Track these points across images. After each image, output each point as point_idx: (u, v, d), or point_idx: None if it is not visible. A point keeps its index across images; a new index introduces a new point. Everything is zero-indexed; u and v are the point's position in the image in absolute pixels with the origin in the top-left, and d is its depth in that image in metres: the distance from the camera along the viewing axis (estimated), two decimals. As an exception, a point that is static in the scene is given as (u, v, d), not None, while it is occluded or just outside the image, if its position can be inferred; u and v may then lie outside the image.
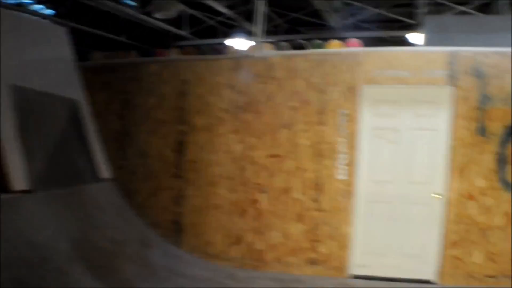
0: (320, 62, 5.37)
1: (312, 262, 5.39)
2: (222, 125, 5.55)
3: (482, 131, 5.19)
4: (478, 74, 5.19)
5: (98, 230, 4.77)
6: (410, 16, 8.14)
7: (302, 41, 6.24)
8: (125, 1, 7.06)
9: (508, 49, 5.16)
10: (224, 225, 5.59)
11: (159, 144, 5.79)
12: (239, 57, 5.70)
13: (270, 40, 7.00)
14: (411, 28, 8.28)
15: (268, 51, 5.65)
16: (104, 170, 5.27)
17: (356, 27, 8.61)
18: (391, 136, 5.40)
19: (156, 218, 5.74)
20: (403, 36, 8.49)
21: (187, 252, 5.60)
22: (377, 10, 8.02)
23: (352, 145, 5.30)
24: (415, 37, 7.87)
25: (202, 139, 5.61)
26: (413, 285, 5.24)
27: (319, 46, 6.08)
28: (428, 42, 5.80)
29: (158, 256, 5.28)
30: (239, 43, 7.72)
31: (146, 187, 5.84)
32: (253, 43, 6.19)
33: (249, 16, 7.02)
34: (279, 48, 5.98)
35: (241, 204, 5.52)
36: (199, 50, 7.62)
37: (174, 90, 5.76)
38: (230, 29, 8.28)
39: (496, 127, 5.17)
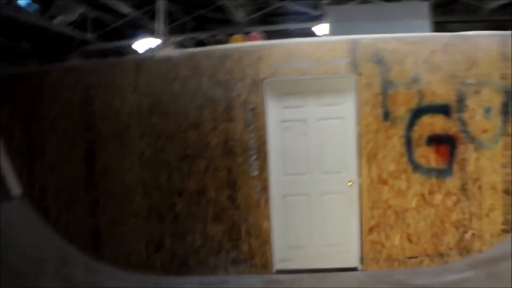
0: (223, 58, 5.30)
1: (236, 261, 5.37)
2: (129, 130, 5.41)
3: (387, 116, 5.28)
4: (379, 61, 5.27)
5: (13, 251, 4.59)
6: (316, 7, 8.19)
7: (206, 38, 6.17)
8: (22, 5, 6.72)
9: (406, 35, 5.26)
10: (144, 233, 5.47)
11: (68, 155, 5.59)
12: (142, 58, 5.55)
13: (176, 38, 6.89)
14: (317, 19, 8.34)
15: (171, 50, 5.54)
16: (15, 187, 5.06)
17: (262, 21, 8.60)
18: (300, 127, 5.41)
19: (74, 232, 5.55)
20: (310, 28, 8.55)
21: (108, 264, 5.45)
22: (282, 3, 8.02)
23: (262, 139, 5.27)
24: (321, 29, 7.92)
25: (111, 145, 5.45)
26: (338, 273, 5.32)
27: (220, 42, 6.03)
28: (332, 32, 5.85)
29: (79, 272, 5.12)
30: (143, 44, 7.56)
31: (59, 201, 5.63)
32: (157, 43, 6.07)
33: (153, 16, 6.88)
34: (183, 46, 5.90)
35: (158, 209, 5.41)
36: (102, 54, 7.41)
37: (79, 97, 5.56)
38: (135, 30, 8.09)
39: (401, 111, 5.27)
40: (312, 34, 8.10)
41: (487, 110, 5.32)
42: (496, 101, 5.32)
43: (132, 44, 7.85)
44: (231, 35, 6.19)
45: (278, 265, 5.47)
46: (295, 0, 7.77)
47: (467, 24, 7.68)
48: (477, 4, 8.17)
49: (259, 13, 8.18)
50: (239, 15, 7.60)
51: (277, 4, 7.90)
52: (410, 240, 5.33)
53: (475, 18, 7.69)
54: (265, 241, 5.36)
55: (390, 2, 6.54)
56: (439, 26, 6.71)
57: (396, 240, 5.33)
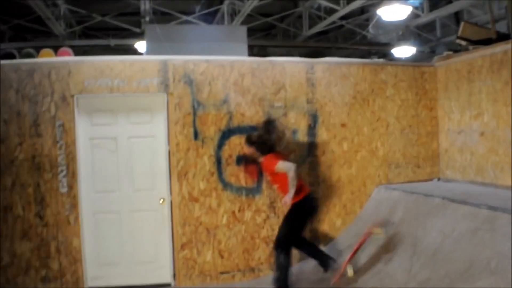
0: (31, 72, 5.27)
1: (46, 280, 5.32)
2: None
3: (197, 135, 5.52)
4: (189, 81, 5.50)
5: None
6: (139, 25, 8.38)
7: (13, 51, 6.15)
8: None
9: (216, 57, 5.54)
10: None
11: None
12: None
13: None
14: (139, 36, 8.52)
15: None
16: None
17: (84, 34, 8.67)
18: (110, 145, 5.51)
19: None
20: (132, 45, 8.71)
21: None
22: (104, 18, 8.08)
23: (71, 156, 5.31)
24: (142, 46, 8.13)
25: None
26: (152, 289, 5.43)
27: (30, 56, 6.02)
28: (149, 51, 6.02)
29: None
30: None
31: None
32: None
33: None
34: (-7, 58, 5.83)
35: (-38, 227, 5.27)
36: None
37: None
38: None
39: (211, 131, 5.53)
40: (134, 51, 8.26)
41: (294, 132, 5.72)
42: (303, 123, 5.73)
43: None
44: (52, 47, 6.18)
45: (90, 282, 5.51)
46: (118, 16, 7.88)
47: (286, 48, 8.22)
48: (295, 31, 8.73)
49: (80, 26, 8.15)
50: (57, 27, 7.51)
51: (99, 18, 7.91)
52: (222, 256, 5.59)
53: (293, 43, 8.23)
54: (75, 259, 5.37)
55: (210, 25, 6.84)
56: (260, 49, 7.14)
57: (208, 256, 5.57)
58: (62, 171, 5.31)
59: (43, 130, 5.27)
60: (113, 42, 8.50)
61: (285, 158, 4.99)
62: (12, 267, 5.30)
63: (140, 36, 8.25)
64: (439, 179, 6.24)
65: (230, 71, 5.50)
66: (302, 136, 5.68)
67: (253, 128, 5.51)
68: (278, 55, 6.02)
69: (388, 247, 5.08)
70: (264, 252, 5.62)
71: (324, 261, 5.12)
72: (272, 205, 5.63)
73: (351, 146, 5.83)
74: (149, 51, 5.95)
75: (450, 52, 6.29)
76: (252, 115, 5.54)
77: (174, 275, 5.56)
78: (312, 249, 5.28)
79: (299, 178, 4.89)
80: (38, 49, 5.89)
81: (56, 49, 6.11)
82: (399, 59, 8.06)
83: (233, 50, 5.81)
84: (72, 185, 5.33)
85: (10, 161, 5.25)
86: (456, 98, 5.92)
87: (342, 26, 9.78)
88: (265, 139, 5.08)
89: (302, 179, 5.16)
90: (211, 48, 5.68)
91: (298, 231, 5.02)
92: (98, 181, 5.48)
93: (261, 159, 5.05)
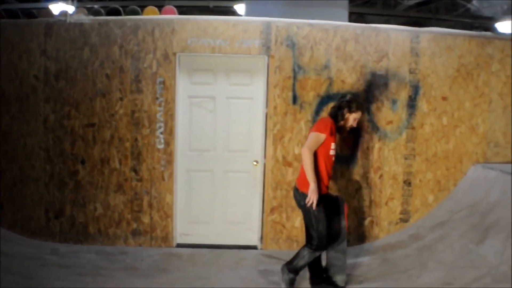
0: (135, 29, 5.65)
1: (136, 233, 5.83)
2: (34, 94, 5.76)
3: (295, 100, 5.85)
4: (291, 44, 5.78)
5: None
6: None
7: (119, 7, 6.51)
8: None
9: (319, 22, 5.79)
10: (43, 199, 5.84)
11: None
12: (52, 22, 5.83)
13: (87, 4, 7.17)
14: None
15: (82, 16, 5.86)
16: None
17: None
18: (208, 105, 5.90)
19: (-29, 195, 5.88)
20: (231, 7, 8.92)
21: (6, 228, 5.85)
22: None
23: (170, 113, 5.74)
24: (241, 8, 8.35)
25: (15, 108, 5.79)
26: (238, 250, 5.86)
27: (134, 12, 6.39)
28: (248, 13, 6.30)
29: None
30: (56, 7, 7.80)
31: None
32: (68, 7, 6.37)
33: (67, -20, 7.10)
34: (95, 13, 6.21)
35: (60, 176, 5.81)
36: (12, 14, 7.60)
37: (-19, 57, 5.82)
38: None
39: (310, 96, 5.83)
40: (233, 13, 8.53)
41: (394, 102, 5.97)
42: (403, 94, 5.97)
43: (45, 6, 8.00)
44: (144, 6, 6.52)
45: (179, 239, 5.98)
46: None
47: (385, 17, 8.32)
48: (396, 0, 8.74)
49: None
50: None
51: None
52: (309, 223, 5.95)
53: (393, 12, 8.32)
54: (167, 215, 5.84)
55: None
56: (358, 17, 7.30)
57: (297, 221, 5.93)
58: (160, 127, 5.74)
59: (144, 86, 5.67)
60: (211, 3, 8.77)
61: (330, 134, 4.38)
62: (105, 218, 5.82)
63: (236, -2, 8.53)
64: (538, 162, 6.36)
65: (333, 36, 5.73)
66: (401, 107, 5.90)
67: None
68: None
69: (480, 228, 5.19)
70: (352, 222, 5.94)
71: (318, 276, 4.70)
72: (365, 175, 5.93)
73: (451, 121, 6.02)
74: (248, 13, 6.23)
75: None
76: (353, 82, 5.77)
77: (262, 238, 5.95)
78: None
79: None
80: (142, 7, 6.25)
81: (158, 8, 6.48)
82: (504, 34, 8.09)
83: (334, 16, 6.03)
84: (169, 142, 5.75)
85: (110, 115, 5.71)
86: None
87: (444, -4, 9.71)
88: (340, 105, 4.55)
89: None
90: (311, 13, 5.91)
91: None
92: (194, 139, 5.85)
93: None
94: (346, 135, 4.76)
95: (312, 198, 4.12)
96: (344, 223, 4.61)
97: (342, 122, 4.47)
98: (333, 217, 4.56)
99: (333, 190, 5.76)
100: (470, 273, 4.65)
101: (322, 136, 4.28)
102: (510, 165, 6.04)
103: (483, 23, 8.97)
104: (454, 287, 4.52)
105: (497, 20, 8.62)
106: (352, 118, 4.49)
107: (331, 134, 4.34)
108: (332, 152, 4.44)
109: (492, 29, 8.87)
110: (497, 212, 5.30)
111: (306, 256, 4.38)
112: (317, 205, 4.18)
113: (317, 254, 4.35)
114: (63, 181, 5.74)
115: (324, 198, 4.37)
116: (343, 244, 4.64)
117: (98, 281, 4.78)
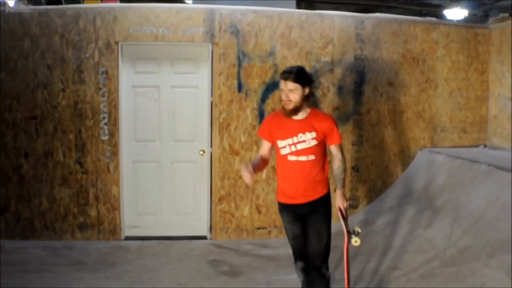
0: (76, 18, 5.60)
1: (83, 226, 5.80)
2: (-27, 86, 5.70)
3: (241, 87, 5.92)
4: (236, 32, 5.85)
5: None
6: None
7: None
8: None
9: (263, 8, 5.87)
10: (-13, 195, 5.80)
11: None
12: (-11, 11, 5.81)
13: None
14: None
15: (22, 6, 5.86)
16: None
17: None
18: (153, 94, 5.94)
19: None
20: None
21: (-51, 225, 5.77)
22: None
23: (113, 104, 5.75)
24: None
25: (-47, 102, 5.73)
26: (187, 241, 5.91)
27: (75, 1, 6.41)
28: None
29: None
30: None
31: None
32: (7, -3, 6.33)
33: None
34: (35, 3, 6.21)
35: (3, 171, 5.75)
36: None
37: None
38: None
39: (255, 83, 5.91)
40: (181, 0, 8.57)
41: (340, 88, 6.09)
42: (349, 80, 6.09)
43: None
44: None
45: (127, 231, 5.99)
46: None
47: (334, 4, 8.47)
48: None
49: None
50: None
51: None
52: (259, 211, 6.02)
53: (343, 0, 8.48)
54: (114, 207, 5.83)
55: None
56: (307, 5, 7.41)
57: (246, 210, 6.00)
58: (104, 118, 5.74)
59: (86, 77, 5.67)
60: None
61: (268, 134, 3.80)
62: (50, 212, 5.78)
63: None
64: (485, 146, 6.53)
65: (278, 23, 5.81)
66: (347, 93, 6.02)
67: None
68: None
69: (428, 212, 5.31)
70: (302, 211, 6.02)
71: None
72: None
73: (397, 106, 6.17)
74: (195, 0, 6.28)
75: (506, 15, 6.50)
76: (298, 70, 5.86)
77: (211, 228, 6.02)
78: None
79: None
80: (83, -6, 6.24)
81: (101, -6, 6.48)
82: (448, 20, 8.30)
83: (281, 3, 6.13)
84: (113, 133, 5.76)
85: (53, 106, 5.69)
86: (509, 62, 6.09)
87: (393, -16, 9.85)
88: None
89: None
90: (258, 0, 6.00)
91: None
92: (139, 130, 5.86)
93: None
94: (288, 114, 3.49)
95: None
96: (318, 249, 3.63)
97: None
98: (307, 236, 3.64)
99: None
100: (418, 257, 4.76)
101: (263, 139, 3.70)
102: (456, 149, 6.19)
103: (432, 11, 9.17)
104: (402, 271, 4.62)
105: (445, 7, 8.83)
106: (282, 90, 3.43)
107: (268, 133, 3.67)
108: (284, 152, 3.54)
109: (441, 16, 9.08)
110: (444, 196, 5.44)
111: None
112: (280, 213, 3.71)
113: (297, 264, 3.78)
114: (6, 176, 5.70)
115: (291, 209, 3.63)
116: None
117: (45, 277, 4.75)
